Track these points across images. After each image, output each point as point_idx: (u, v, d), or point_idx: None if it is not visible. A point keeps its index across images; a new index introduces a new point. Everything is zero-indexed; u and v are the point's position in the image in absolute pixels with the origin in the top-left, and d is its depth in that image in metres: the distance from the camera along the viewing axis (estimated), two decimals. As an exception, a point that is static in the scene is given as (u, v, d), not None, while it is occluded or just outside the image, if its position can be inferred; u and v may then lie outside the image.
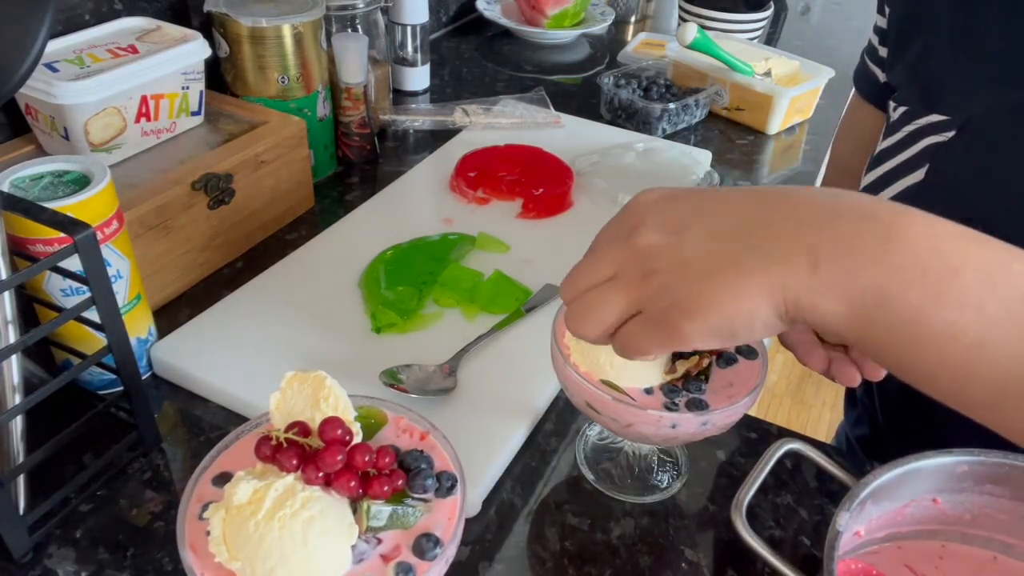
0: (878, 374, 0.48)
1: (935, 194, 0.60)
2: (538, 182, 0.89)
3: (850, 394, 0.93)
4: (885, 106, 0.70)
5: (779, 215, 0.36)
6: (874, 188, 0.65)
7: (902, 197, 0.61)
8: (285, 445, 0.39)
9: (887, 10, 0.70)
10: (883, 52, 0.70)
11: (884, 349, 0.35)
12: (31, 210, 0.49)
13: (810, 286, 0.34)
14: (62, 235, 0.49)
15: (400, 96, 1.16)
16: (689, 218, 0.38)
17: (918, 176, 0.61)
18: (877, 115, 0.76)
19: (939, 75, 0.62)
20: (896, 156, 0.63)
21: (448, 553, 0.40)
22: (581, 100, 1.18)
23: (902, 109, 0.64)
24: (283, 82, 0.83)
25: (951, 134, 0.59)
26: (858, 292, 0.34)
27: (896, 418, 0.79)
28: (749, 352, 0.53)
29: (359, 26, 0.94)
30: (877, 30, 0.72)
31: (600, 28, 1.41)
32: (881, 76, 0.72)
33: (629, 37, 1.49)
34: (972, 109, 0.59)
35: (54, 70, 0.68)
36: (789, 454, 0.55)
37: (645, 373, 0.50)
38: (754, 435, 0.64)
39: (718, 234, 0.37)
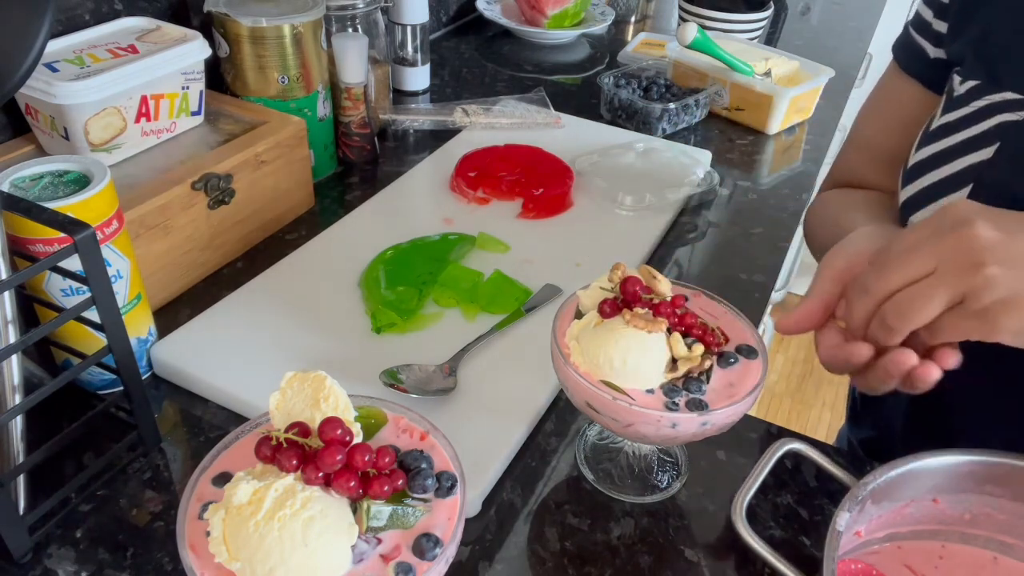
0: (885, 386, 0.49)
1: (1004, 172, 0.58)
2: (538, 182, 0.89)
3: (851, 398, 0.92)
4: (931, 81, 0.69)
5: None
6: (931, 164, 0.62)
7: (966, 174, 0.59)
8: (285, 445, 0.39)
9: None
10: (938, 26, 0.68)
11: None
12: (31, 210, 0.49)
13: None
14: (62, 235, 0.49)
15: (400, 96, 1.16)
16: (1019, 223, 0.40)
17: (986, 154, 0.59)
18: (917, 91, 0.72)
19: (1001, 53, 0.60)
20: (961, 131, 0.61)
21: (448, 553, 0.40)
22: (581, 100, 1.18)
23: (970, 83, 0.62)
24: (283, 82, 0.83)
25: None
26: None
27: (909, 423, 0.78)
28: (749, 352, 0.53)
29: (359, 26, 0.94)
30: (932, 3, 0.70)
31: (600, 28, 1.41)
32: (931, 51, 0.70)
33: (629, 37, 1.49)
34: None
35: (54, 70, 0.68)
36: (789, 454, 0.55)
37: (645, 373, 0.50)
38: (754, 435, 0.64)
39: None
